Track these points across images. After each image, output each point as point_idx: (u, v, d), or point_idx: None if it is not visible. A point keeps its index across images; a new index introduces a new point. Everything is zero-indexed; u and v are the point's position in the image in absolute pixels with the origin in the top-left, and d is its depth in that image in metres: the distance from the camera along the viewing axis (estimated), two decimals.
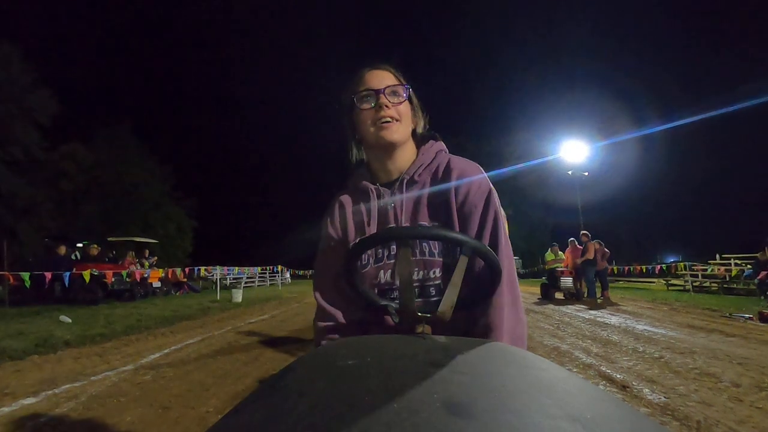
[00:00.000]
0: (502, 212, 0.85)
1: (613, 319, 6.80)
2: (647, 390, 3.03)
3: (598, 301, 9.69)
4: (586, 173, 24.91)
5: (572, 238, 11.14)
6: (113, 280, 9.69)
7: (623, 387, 3.11)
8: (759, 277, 9.36)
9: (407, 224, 0.84)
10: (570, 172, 24.61)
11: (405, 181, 0.86)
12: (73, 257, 11.02)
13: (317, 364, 0.47)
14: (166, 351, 4.71)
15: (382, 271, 0.83)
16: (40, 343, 4.79)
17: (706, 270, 13.29)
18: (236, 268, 16.62)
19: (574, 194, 24.45)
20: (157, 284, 12.27)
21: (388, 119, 0.82)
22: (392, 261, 0.83)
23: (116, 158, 24.96)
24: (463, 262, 0.64)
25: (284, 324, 6.99)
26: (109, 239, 14.72)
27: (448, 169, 0.85)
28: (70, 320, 6.65)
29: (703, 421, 2.42)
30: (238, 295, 11.05)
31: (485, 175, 0.86)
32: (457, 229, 0.81)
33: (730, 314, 6.94)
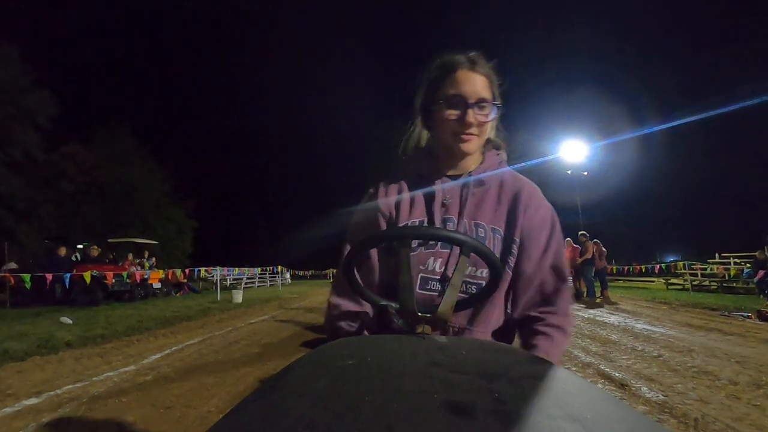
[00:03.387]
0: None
1: (612, 318, 6.81)
2: (645, 388, 3.05)
3: (598, 300, 9.70)
4: (586, 173, 24.88)
5: (568, 238, 11.15)
6: (113, 281, 9.68)
7: (622, 385, 3.13)
8: (757, 276, 9.37)
9: (468, 219, 0.83)
10: (569, 172, 24.57)
11: (472, 178, 0.85)
12: (73, 258, 11.01)
13: (317, 364, 0.47)
14: (167, 351, 4.72)
15: (432, 258, 0.80)
16: (41, 344, 4.80)
17: (706, 269, 13.31)
18: (236, 268, 16.59)
19: (573, 194, 24.39)
20: (157, 285, 12.26)
21: (470, 134, 0.81)
22: (447, 251, 0.80)
23: (116, 159, 24.85)
24: (463, 263, 0.64)
25: (284, 324, 6.99)
26: (109, 240, 14.67)
27: (517, 183, 0.87)
28: (70, 321, 6.65)
29: (701, 419, 2.43)
30: (238, 296, 11.04)
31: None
32: (518, 241, 0.82)
33: (728, 313, 6.95)
